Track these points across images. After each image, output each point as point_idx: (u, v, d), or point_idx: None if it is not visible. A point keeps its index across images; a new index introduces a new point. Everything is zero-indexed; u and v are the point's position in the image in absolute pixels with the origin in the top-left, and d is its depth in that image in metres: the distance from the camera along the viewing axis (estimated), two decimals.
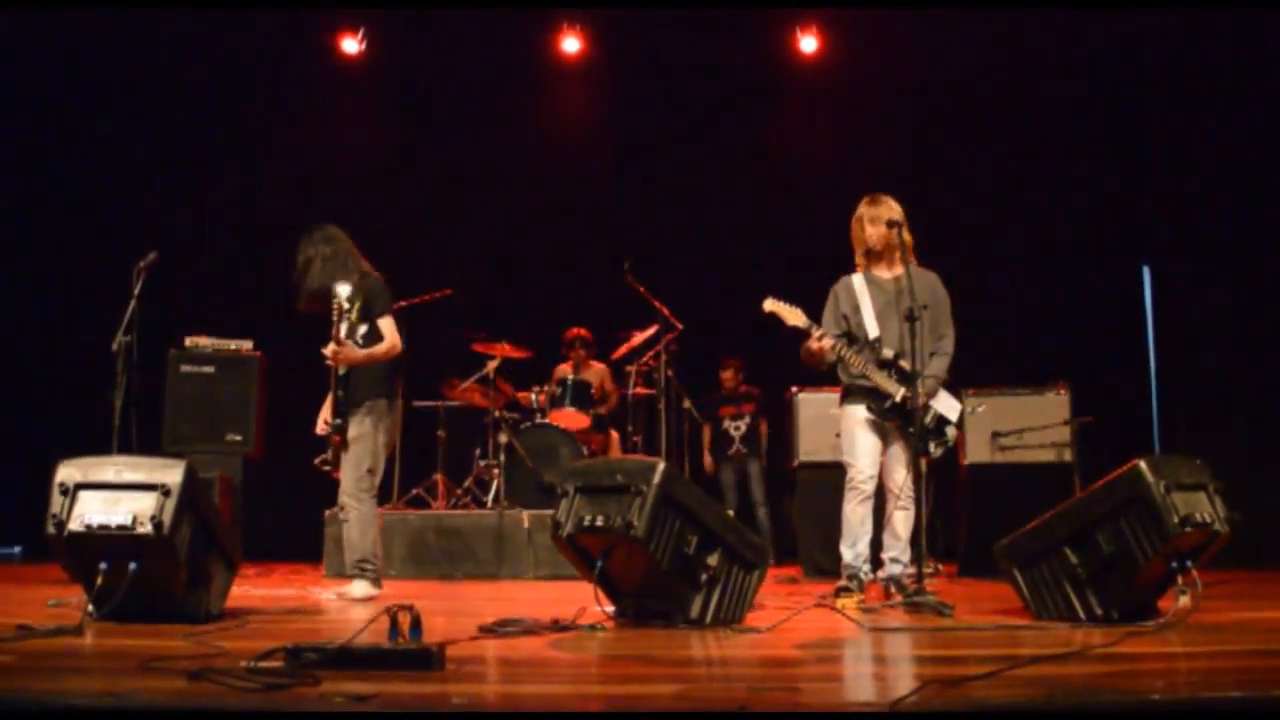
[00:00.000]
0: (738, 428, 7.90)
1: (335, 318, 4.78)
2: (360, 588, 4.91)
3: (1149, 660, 2.96)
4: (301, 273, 5.07)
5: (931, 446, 4.65)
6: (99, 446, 4.62)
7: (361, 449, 4.95)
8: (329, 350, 4.82)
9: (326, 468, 5.07)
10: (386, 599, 4.84)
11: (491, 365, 7.32)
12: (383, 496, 6.29)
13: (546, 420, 7.36)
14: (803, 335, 4.71)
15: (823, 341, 4.64)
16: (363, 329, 4.95)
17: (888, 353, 4.63)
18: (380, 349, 4.96)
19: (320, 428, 5.04)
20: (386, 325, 5.02)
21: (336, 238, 5.16)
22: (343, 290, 4.80)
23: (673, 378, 7.32)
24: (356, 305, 4.86)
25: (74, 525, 3.56)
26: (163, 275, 5.79)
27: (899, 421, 4.61)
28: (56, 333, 8.10)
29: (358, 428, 4.95)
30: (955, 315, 4.82)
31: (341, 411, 4.94)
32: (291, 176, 8.78)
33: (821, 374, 4.96)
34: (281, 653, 2.68)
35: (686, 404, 7.59)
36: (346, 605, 4.68)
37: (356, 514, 4.95)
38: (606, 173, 9.04)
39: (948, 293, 4.83)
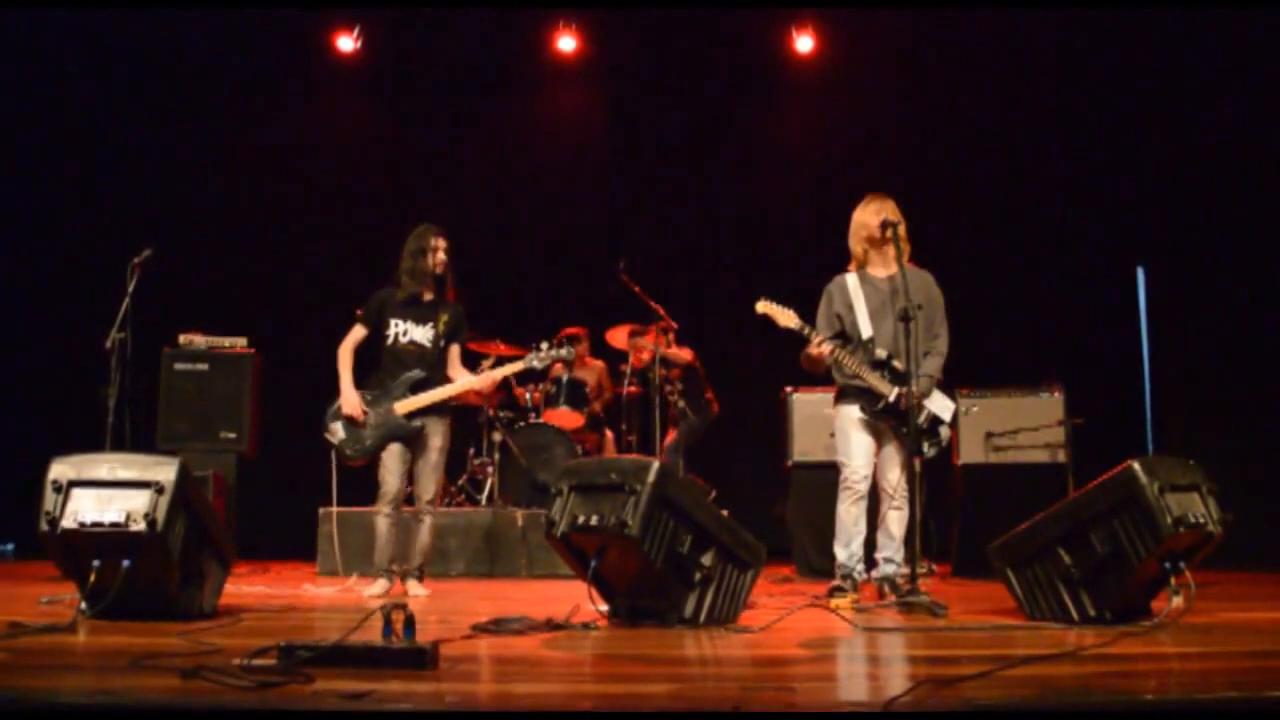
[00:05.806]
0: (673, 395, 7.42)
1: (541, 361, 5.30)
2: (418, 588, 5.10)
3: (1142, 661, 2.96)
4: (449, 258, 5.32)
5: (925, 447, 4.65)
6: (92, 444, 4.59)
7: (441, 459, 5.20)
8: (484, 381, 5.37)
9: (349, 452, 5.14)
10: (380, 598, 4.85)
11: (485, 364, 7.30)
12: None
13: (541, 419, 7.35)
14: (797, 337, 4.71)
15: (821, 348, 4.63)
16: (441, 343, 5.24)
17: (881, 353, 4.64)
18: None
19: (357, 412, 5.09)
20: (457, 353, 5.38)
21: None
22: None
23: (668, 374, 7.31)
24: (444, 320, 5.21)
25: (67, 522, 3.55)
26: (157, 272, 5.78)
27: (893, 421, 4.61)
28: (50, 329, 8.07)
29: (441, 439, 5.18)
30: (949, 315, 4.82)
31: (416, 415, 5.11)
32: (287, 174, 8.77)
33: (820, 376, 4.96)
34: (275, 651, 2.67)
35: (682, 403, 7.57)
36: (339, 603, 4.69)
37: (432, 520, 5.20)
38: (601, 171, 9.04)
39: (941, 292, 4.83)
